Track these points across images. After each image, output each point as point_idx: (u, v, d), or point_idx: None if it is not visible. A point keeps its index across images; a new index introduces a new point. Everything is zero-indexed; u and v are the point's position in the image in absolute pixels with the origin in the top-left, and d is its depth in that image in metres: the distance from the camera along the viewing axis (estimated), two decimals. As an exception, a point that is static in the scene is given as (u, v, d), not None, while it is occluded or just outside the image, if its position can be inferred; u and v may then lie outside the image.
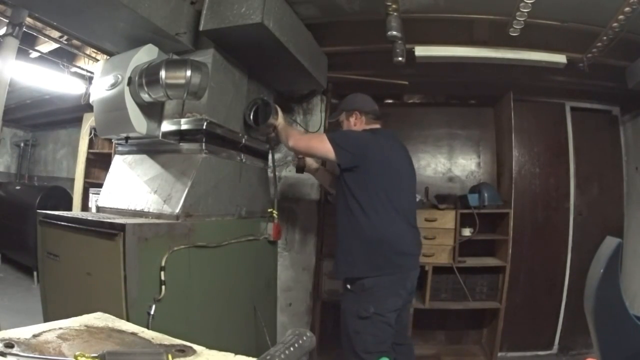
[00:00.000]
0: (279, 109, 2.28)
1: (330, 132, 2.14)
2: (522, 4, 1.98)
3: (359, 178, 1.86)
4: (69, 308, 1.12)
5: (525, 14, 2.04)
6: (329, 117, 2.28)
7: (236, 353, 0.77)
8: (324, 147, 1.89)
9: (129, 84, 1.76)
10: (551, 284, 3.10)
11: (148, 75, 1.72)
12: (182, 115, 2.01)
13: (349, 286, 1.86)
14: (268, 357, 0.60)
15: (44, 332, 0.81)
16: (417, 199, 2.92)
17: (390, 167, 1.90)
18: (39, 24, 2.75)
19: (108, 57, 2.22)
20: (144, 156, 2.08)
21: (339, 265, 1.94)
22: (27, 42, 2.98)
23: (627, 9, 1.93)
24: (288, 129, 2.22)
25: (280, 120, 2.23)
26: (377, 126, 2.11)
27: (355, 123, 2.09)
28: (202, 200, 1.95)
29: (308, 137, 2.17)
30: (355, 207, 1.85)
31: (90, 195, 4.32)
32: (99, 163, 4.63)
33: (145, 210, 1.89)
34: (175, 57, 1.97)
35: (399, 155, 2.03)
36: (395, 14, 2.10)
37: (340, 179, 1.94)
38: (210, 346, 0.81)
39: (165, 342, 0.82)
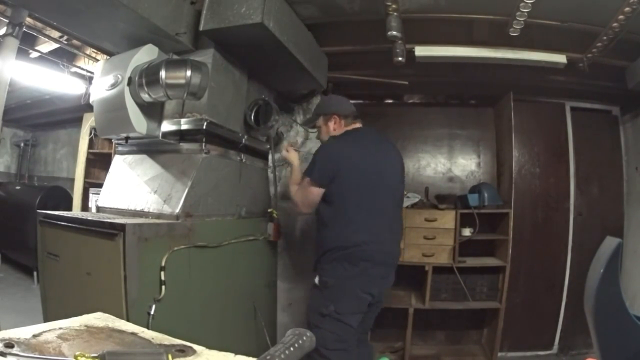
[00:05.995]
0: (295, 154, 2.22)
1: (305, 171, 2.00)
2: (522, 4, 1.98)
3: (325, 193, 1.91)
4: (69, 308, 1.12)
5: (525, 14, 2.04)
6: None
7: (236, 353, 0.77)
8: (311, 191, 1.91)
9: (129, 84, 1.76)
10: (551, 284, 3.10)
11: (148, 75, 1.72)
12: (182, 115, 2.01)
13: (316, 282, 1.93)
14: (268, 357, 0.60)
15: (44, 332, 0.81)
16: (416, 199, 2.93)
17: (358, 178, 1.89)
18: (39, 24, 2.74)
19: (108, 57, 2.22)
20: (144, 156, 2.08)
21: (314, 267, 2.01)
22: (27, 42, 2.97)
23: (627, 9, 1.93)
24: (294, 178, 2.13)
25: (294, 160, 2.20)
26: (358, 125, 2.06)
27: (335, 127, 2.03)
28: (202, 200, 1.95)
29: (298, 190, 2.02)
30: (321, 219, 1.94)
31: (90, 195, 4.31)
32: (99, 163, 4.62)
33: (145, 210, 1.89)
34: (175, 57, 1.97)
35: (375, 159, 1.96)
36: (395, 14, 2.10)
37: None
38: (210, 346, 0.80)
39: (165, 342, 0.82)
